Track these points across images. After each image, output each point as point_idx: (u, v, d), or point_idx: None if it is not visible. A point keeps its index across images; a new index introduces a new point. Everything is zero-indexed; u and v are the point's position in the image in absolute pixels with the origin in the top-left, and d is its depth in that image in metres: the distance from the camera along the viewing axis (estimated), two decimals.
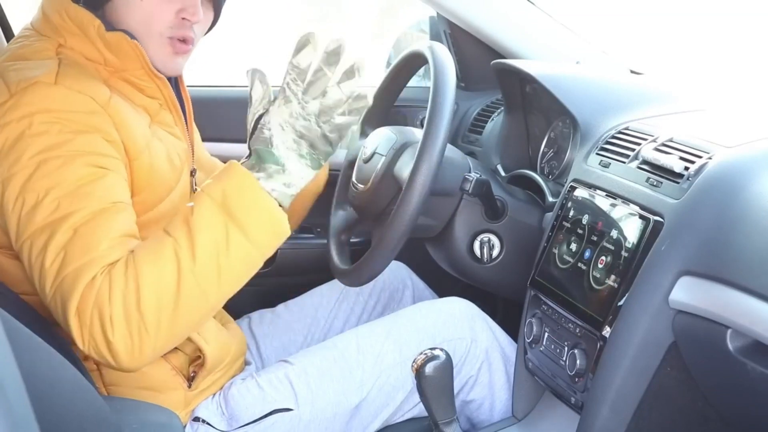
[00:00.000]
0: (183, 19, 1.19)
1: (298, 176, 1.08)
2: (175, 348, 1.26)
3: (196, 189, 1.34)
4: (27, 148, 1.04)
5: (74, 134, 1.06)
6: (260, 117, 1.08)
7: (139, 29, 1.18)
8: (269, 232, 1.06)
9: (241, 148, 1.13)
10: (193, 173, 1.33)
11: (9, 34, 1.91)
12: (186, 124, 1.32)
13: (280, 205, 1.08)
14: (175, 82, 1.31)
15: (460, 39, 1.87)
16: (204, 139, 1.50)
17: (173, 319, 1.01)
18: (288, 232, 1.09)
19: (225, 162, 1.25)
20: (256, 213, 1.04)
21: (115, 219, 1.05)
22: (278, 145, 1.06)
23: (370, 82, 1.89)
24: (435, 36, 1.97)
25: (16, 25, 1.93)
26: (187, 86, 1.36)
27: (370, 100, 1.08)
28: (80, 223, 1.02)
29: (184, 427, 1.25)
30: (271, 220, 1.06)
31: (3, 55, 1.18)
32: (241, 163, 1.08)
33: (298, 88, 1.06)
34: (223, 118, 1.87)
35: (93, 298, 0.98)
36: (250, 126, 1.09)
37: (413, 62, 1.51)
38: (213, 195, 1.04)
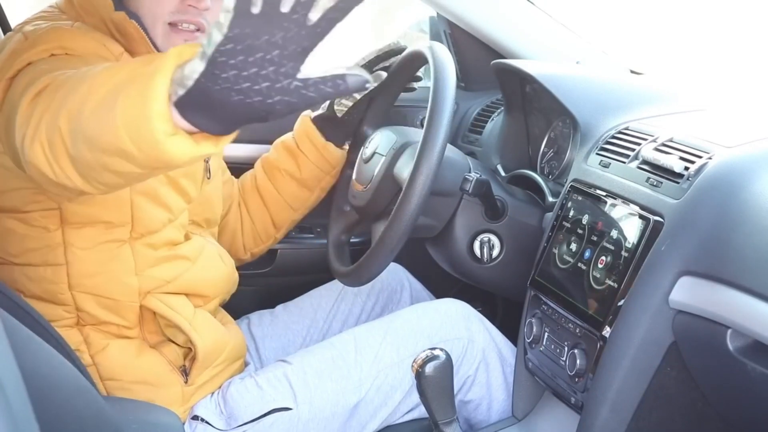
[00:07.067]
0: (189, 6, 1.21)
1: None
2: (168, 339, 1.28)
3: (209, 177, 1.35)
4: (35, 68, 1.05)
5: (81, 62, 1.05)
6: None
7: (148, 16, 1.21)
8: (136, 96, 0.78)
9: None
10: (206, 159, 1.33)
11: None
12: None
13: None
14: None
15: (460, 39, 1.87)
16: None
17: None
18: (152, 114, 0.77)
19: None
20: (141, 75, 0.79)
21: None
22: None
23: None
24: (435, 36, 1.97)
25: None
26: None
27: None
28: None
29: (183, 425, 1.25)
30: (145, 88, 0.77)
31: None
32: None
33: None
34: None
35: None
36: None
37: (413, 62, 1.51)
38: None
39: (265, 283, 1.85)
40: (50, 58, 1.08)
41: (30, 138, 0.89)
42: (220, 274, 1.35)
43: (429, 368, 1.14)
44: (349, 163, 1.60)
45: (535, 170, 1.57)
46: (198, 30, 1.23)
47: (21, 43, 1.12)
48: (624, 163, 1.25)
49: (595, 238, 1.22)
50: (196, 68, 0.73)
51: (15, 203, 1.17)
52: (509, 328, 1.45)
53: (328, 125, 1.55)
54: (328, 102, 1.54)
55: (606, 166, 1.29)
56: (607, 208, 1.23)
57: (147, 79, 0.76)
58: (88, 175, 0.87)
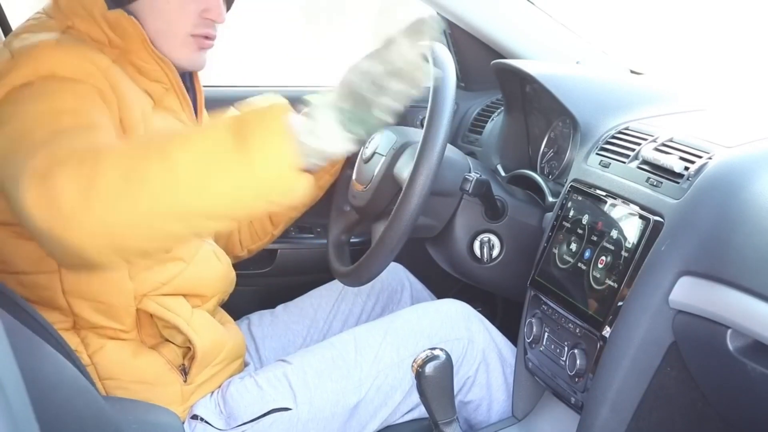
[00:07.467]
0: (207, 19, 1.24)
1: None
2: (166, 340, 1.27)
3: None
4: (24, 107, 1.04)
5: (72, 96, 1.06)
6: None
7: (166, 29, 1.22)
8: (277, 162, 0.89)
9: None
10: None
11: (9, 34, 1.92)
12: (196, 113, 1.33)
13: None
14: (189, 74, 1.33)
15: (460, 39, 1.87)
16: None
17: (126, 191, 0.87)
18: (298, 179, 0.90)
19: None
20: (267, 136, 0.89)
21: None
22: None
23: None
24: None
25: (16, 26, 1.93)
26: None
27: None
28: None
29: (183, 425, 1.25)
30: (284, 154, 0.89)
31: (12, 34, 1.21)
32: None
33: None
34: None
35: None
36: None
37: None
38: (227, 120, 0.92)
39: (265, 283, 1.85)
40: (33, 90, 1.05)
41: (78, 237, 0.87)
42: (217, 272, 1.35)
43: (429, 368, 1.14)
44: (349, 163, 1.60)
45: (535, 170, 1.57)
46: (208, 38, 1.26)
47: (7, 62, 1.10)
48: (624, 163, 1.25)
49: (595, 238, 1.22)
50: (348, 148, 0.91)
51: (6, 216, 1.14)
52: (509, 328, 1.45)
53: None
54: None
55: (606, 166, 1.29)
56: (607, 208, 1.23)
57: (278, 173, 0.89)
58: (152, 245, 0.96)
